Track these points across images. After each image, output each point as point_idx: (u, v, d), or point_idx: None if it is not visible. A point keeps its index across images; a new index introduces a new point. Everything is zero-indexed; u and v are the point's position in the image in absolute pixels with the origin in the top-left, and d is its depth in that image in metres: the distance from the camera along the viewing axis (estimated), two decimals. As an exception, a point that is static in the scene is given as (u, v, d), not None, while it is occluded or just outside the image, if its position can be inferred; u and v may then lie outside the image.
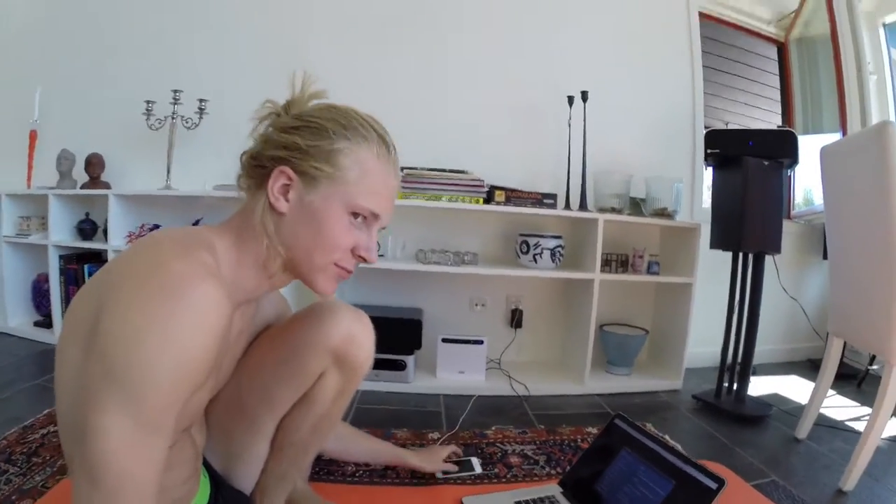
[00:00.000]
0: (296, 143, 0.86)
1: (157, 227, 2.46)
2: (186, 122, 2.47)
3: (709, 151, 2.24)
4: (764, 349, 2.78)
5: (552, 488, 1.46)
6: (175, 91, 2.42)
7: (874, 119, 3.01)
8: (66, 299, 2.47)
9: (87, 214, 2.55)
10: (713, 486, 1.16)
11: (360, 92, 2.51)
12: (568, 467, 1.63)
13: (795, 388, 2.70)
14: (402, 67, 2.68)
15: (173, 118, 2.45)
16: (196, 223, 2.49)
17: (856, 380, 2.71)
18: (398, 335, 2.30)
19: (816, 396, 1.96)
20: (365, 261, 0.93)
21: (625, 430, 1.46)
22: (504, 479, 1.56)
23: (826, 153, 1.88)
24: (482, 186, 2.35)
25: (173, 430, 0.73)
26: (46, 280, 2.52)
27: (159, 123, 2.46)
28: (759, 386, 2.65)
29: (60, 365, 0.76)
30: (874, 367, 2.73)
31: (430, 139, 2.62)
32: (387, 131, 0.95)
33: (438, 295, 2.66)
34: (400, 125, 2.56)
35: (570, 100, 2.56)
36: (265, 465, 1.12)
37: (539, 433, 1.93)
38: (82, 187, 2.51)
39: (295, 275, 0.93)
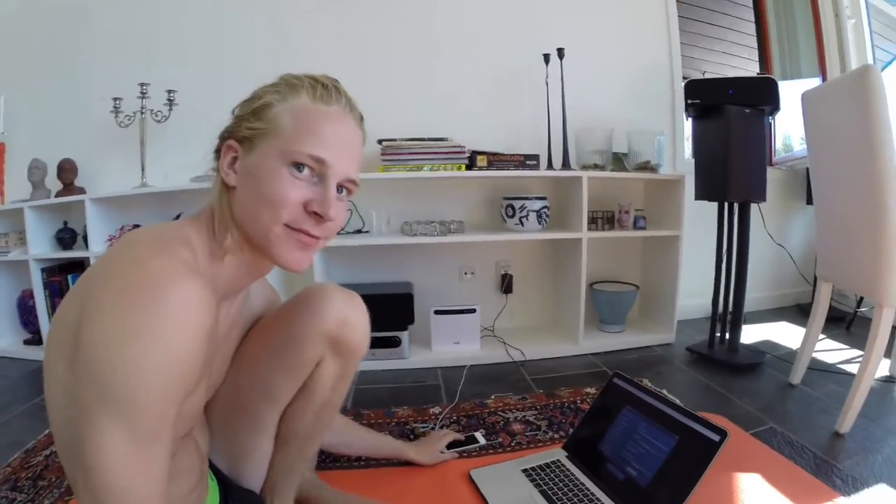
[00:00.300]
0: (235, 114, 0.86)
1: (136, 227, 2.39)
2: (156, 116, 2.39)
3: (689, 102, 2.22)
4: (752, 297, 2.81)
5: (557, 452, 1.48)
6: (142, 84, 2.34)
7: (853, 63, 3.01)
8: (53, 313, 2.40)
9: (66, 223, 2.48)
10: (716, 438, 1.18)
11: (335, 66, 2.46)
12: (570, 430, 1.67)
13: (786, 334, 2.75)
14: (377, 39, 2.62)
15: (142, 113, 2.37)
16: (176, 217, 2.45)
17: (844, 322, 2.76)
18: (390, 311, 2.29)
19: (808, 342, 1.99)
20: (322, 219, 0.83)
21: (624, 389, 1.48)
22: (509, 448, 1.59)
23: (807, 99, 1.87)
24: (463, 152, 2.32)
25: (172, 437, 0.71)
26: (31, 296, 2.45)
27: (129, 120, 2.38)
28: (750, 334, 2.69)
29: (49, 381, 0.74)
30: (863, 309, 2.78)
31: (408, 109, 2.59)
32: (333, 80, 0.89)
33: (427, 267, 2.65)
34: (378, 97, 2.56)
35: (547, 58, 2.52)
36: (271, 460, 1.11)
37: (539, 398, 1.95)
38: (57, 195, 2.42)
39: (259, 251, 0.87)
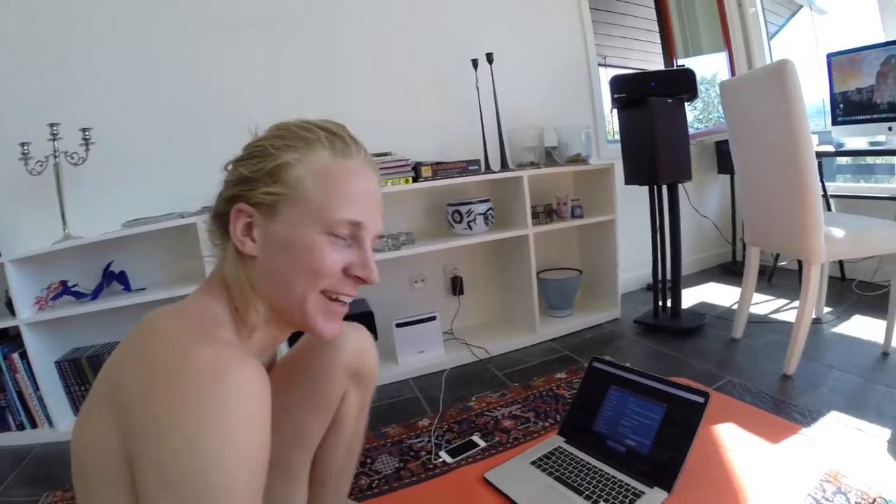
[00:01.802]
0: (241, 174, 0.80)
1: (64, 283, 2.25)
2: (72, 158, 2.23)
3: (615, 96, 2.46)
4: (681, 263, 3.16)
5: (555, 440, 1.64)
6: (52, 125, 2.16)
7: (753, 38, 3.46)
8: None
9: None
10: (700, 399, 1.42)
11: (260, 92, 2.48)
12: (557, 416, 1.86)
13: (717, 294, 3.12)
14: (301, 60, 2.63)
15: (55, 156, 2.20)
16: (107, 267, 2.34)
17: (766, 276, 3.17)
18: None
19: (744, 299, 2.32)
20: (364, 281, 0.85)
21: (605, 370, 1.68)
22: (509, 445, 1.72)
23: (725, 87, 2.18)
24: (408, 165, 2.42)
25: None
26: None
27: (41, 166, 2.21)
28: (685, 298, 3.00)
29: None
30: (782, 263, 3.22)
31: (343, 121, 2.62)
32: (341, 126, 0.87)
33: (379, 281, 2.72)
34: (311, 113, 2.55)
35: (475, 63, 2.67)
36: None
37: (517, 391, 2.11)
38: None
39: (291, 324, 0.87)
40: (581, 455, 1.54)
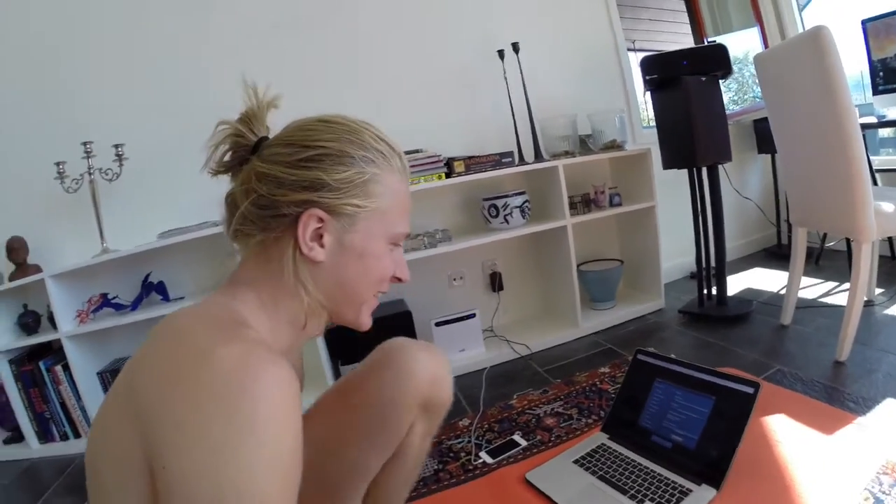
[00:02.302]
0: (320, 179, 0.77)
1: (104, 295, 2.35)
2: (106, 175, 2.32)
3: (647, 77, 2.42)
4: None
5: (599, 437, 1.62)
6: (85, 143, 2.26)
7: (783, 10, 3.34)
8: (31, 405, 2.31)
9: (25, 306, 2.37)
10: (750, 390, 1.38)
11: (292, 93, 2.48)
12: (601, 412, 1.83)
13: (763, 279, 3.04)
14: (324, 63, 2.66)
15: (90, 174, 2.28)
16: (146, 278, 2.43)
17: (812, 259, 3.07)
18: (392, 332, 2.26)
19: (792, 284, 2.26)
20: (401, 281, 0.91)
21: (650, 363, 1.65)
22: (550, 444, 1.71)
23: (760, 60, 2.11)
24: (440, 161, 2.41)
25: None
26: (2, 391, 2.32)
27: (76, 184, 2.29)
28: (731, 285, 2.92)
29: None
30: (829, 244, 3.12)
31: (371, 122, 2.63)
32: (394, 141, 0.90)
33: (415, 280, 2.67)
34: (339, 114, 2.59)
35: (501, 53, 2.65)
36: None
37: (559, 387, 2.10)
38: (10, 278, 2.30)
39: (335, 320, 0.89)
40: (625, 452, 1.52)
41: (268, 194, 0.77)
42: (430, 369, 1.02)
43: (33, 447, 2.33)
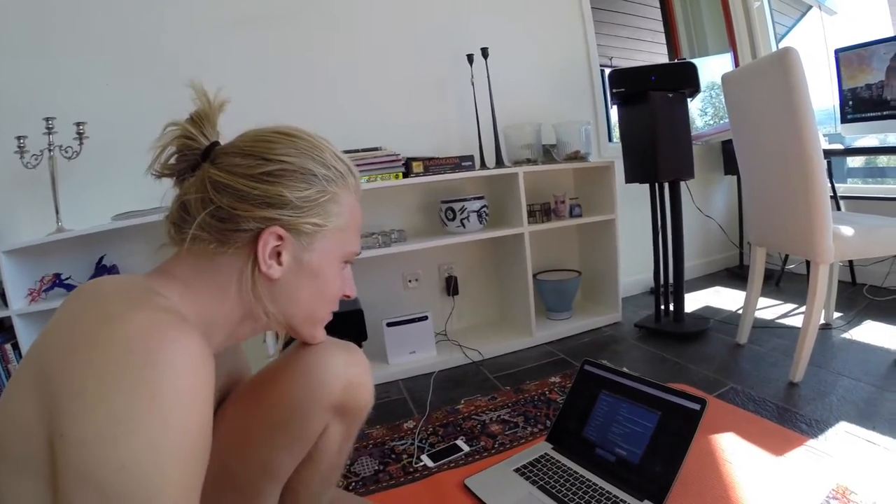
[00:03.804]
0: (282, 196, 0.74)
1: (58, 275, 2.20)
2: (66, 152, 2.21)
3: (614, 90, 2.32)
4: (685, 266, 2.96)
5: (542, 446, 1.51)
6: (48, 119, 2.13)
7: (759, 38, 3.28)
8: None
9: None
10: (696, 407, 1.27)
11: (251, 89, 2.38)
12: (547, 421, 1.73)
13: (722, 298, 2.94)
14: (293, 57, 2.53)
15: (50, 150, 2.17)
16: (100, 261, 2.29)
17: (773, 280, 2.99)
18: (342, 331, 2.15)
19: (749, 303, 2.16)
20: (347, 297, 0.89)
21: (596, 374, 1.54)
22: (493, 451, 1.61)
23: (727, 80, 2.02)
24: (399, 161, 2.31)
25: None
26: None
27: (36, 160, 2.17)
28: (689, 302, 2.84)
29: None
30: (790, 266, 3.02)
31: (334, 123, 2.50)
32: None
33: (370, 279, 2.59)
34: (302, 113, 2.47)
35: (470, 58, 2.56)
36: None
37: (507, 395, 1.99)
38: None
39: (290, 332, 0.88)
40: (568, 463, 1.42)
41: (228, 207, 0.73)
42: (344, 373, 0.91)
43: None
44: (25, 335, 2.11)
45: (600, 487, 1.29)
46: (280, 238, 0.75)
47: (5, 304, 2.14)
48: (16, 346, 2.14)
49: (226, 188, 0.73)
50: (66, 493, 0.53)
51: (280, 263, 0.76)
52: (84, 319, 0.61)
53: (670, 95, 2.21)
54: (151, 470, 0.53)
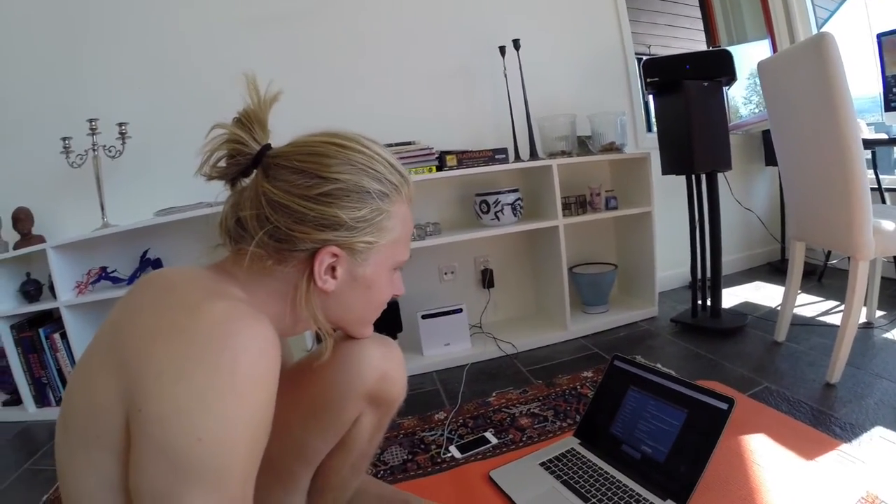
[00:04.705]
0: (338, 218, 0.76)
1: (104, 269, 2.32)
2: (109, 152, 2.30)
3: (648, 80, 2.28)
4: (724, 261, 2.85)
5: (570, 441, 1.51)
6: (91, 120, 2.24)
7: (798, 24, 3.14)
8: (29, 370, 2.31)
9: (28, 274, 2.37)
10: (724, 406, 1.24)
11: (286, 79, 2.43)
12: (577, 416, 1.73)
13: (762, 294, 2.86)
14: (326, 53, 2.57)
15: (94, 150, 2.28)
16: (144, 254, 2.39)
17: (815, 276, 2.90)
18: (378, 322, 2.25)
19: (788, 300, 2.09)
20: (397, 296, 0.94)
21: (626, 370, 1.53)
22: (521, 444, 1.61)
23: (764, 68, 1.95)
24: (433, 154, 2.33)
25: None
26: (3, 355, 2.34)
27: (81, 159, 2.28)
28: (728, 298, 2.79)
29: (75, 478, 0.65)
30: (832, 261, 2.93)
31: (367, 116, 2.55)
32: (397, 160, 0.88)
33: (406, 272, 2.56)
34: (334, 106, 2.51)
35: (503, 50, 2.54)
36: None
37: (539, 388, 1.99)
38: (15, 247, 2.30)
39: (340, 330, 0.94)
40: (593, 459, 1.41)
41: (285, 228, 0.75)
42: (379, 365, 0.97)
43: (30, 410, 2.33)
44: (74, 325, 2.24)
45: (624, 485, 1.28)
46: (335, 255, 0.78)
47: (54, 296, 2.27)
48: (64, 336, 2.27)
49: (283, 208, 0.75)
50: (138, 465, 0.58)
51: (334, 278, 0.80)
52: (164, 307, 0.65)
53: (706, 84, 2.16)
54: (225, 443, 0.58)
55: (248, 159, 0.80)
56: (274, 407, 0.66)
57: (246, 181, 0.83)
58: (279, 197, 0.75)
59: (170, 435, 0.57)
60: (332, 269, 0.79)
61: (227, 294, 0.69)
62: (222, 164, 0.82)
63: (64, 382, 2.31)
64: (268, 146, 0.80)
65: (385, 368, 0.97)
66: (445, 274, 2.73)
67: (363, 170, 0.79)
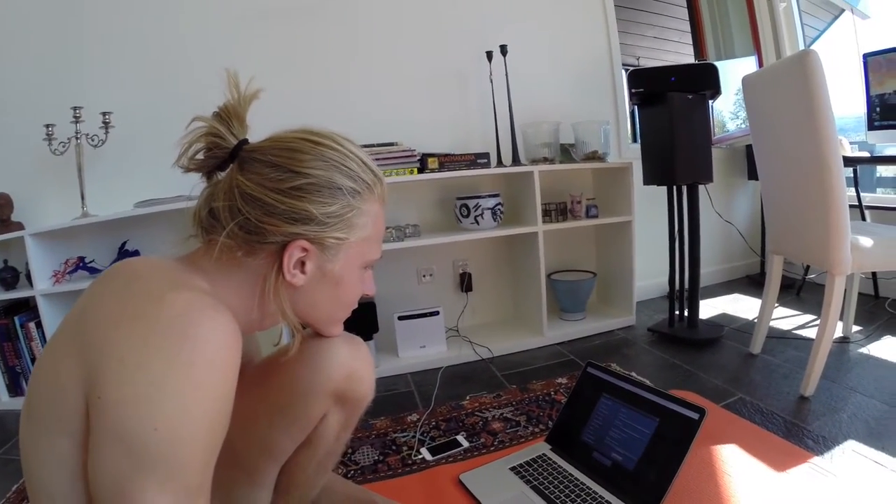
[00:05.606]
0: (308, 212, 0.75)
1: (81, 258, 2.26)
2: (92, 140, 2.24)
3: (633, 91, 2.26)
4: (703, 272, 2.89)
5: (541, 447, 1.48)
6: (75, 108, 2.18)
7: (786, 41, 3.15)
8: (3, 358, 2.24)
9: (5, 261, 2.29)
10: (695, 416, 1.21)
11: (273, 83, 2.38)
12: (549, 422, 1.70)
13: (740, 306, 2.85)
14: (314, 52, 2.53)
15: (77, 138, 2.21)
16: (122, 245, 2.33)
17: (794, 289, 2.89)
18: (353, 322, 2.18)
19: (765, 312, 2.07)
20: (368, 296, 0.93)
21: (598, 377, 1.50)
22: (492, 448, 1.58)
23: (748, 83, 1.94)
24: (414, 156, 2.29)
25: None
26: None
27: (63, 147, 2.22)
28: (706, 309, 2.78)
29: (38, 459, 0.64)
30: (811, 276, 2.92)
31: (353, 117, 2.52)
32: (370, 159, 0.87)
33: (384, 273, 2.57)
34: (319, 106, 2.46)
35: (489, 55, 2.52)
36: None
37: (513, 393, 1.95)
38: None
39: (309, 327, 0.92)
40: (564, 465, 1.38)
41: (255, 220, 0.75)
42: (347, 363, 0.94)
43: (3, 399, 2.26)
44: (49, 315, 2.18)
45: (593, 491, 1.25)
46: (304, 250, 0.77)
47: (31, 284, 2.21)
48: (39, 325, 2.21)
49: (254, 200, 0.75)
50: (96, 451, 0.57)
51: (303, 272, 0.79)
52: (128, 296, 0.64)
53: (690, 97, 2.14)
54: (181, 433, 0.58)
55: (225, 153, 0.79)
56: (233, 399, 0.66)
57: (222, 175, 0.82)
58: (252, 189, 0.74)
59: (127, 422, 0.56)
60: (302, 263, 0.79)
61: (191, 285, 0.68)
62: (200, 156, 0.81)
63: (39, 372, 2.24)
64: (244, 141, 0.80)
65: (353, 367, 0.95)
66: (423, 276, 2.70)
67: (336, 166, 0.79)
